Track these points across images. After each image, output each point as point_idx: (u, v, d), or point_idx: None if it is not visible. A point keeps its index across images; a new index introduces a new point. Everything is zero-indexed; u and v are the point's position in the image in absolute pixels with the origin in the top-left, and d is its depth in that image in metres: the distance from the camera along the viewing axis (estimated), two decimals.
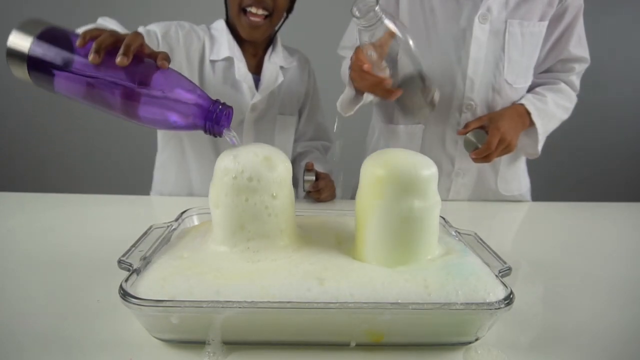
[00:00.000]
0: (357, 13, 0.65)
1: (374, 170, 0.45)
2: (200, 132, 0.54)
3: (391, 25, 0.67)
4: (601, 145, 2.33)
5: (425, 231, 0.45)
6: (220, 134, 0.49)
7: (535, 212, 1.01)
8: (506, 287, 0.41)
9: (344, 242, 0.51)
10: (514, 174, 1.08)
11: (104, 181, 2.25)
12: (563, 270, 0.63)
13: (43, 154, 2.33)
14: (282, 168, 0.48)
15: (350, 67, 0.81)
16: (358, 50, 0.74)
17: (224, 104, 0.49)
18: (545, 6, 0.94)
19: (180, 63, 0.97)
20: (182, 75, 0.49)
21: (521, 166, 1.11)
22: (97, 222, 0.80)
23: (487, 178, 1.06)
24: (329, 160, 1.16)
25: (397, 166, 0.44)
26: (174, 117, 0.47)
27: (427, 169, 0.44)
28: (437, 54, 0.96)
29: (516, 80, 0.97)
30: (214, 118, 0.47)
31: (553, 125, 1.01)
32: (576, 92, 1.04)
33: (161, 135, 1.07)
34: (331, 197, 0.98)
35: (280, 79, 1.05)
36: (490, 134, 0.91)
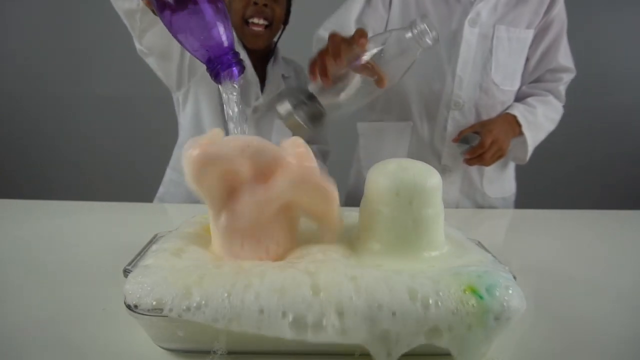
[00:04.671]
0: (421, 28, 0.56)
1: (380, 180, 0.45)
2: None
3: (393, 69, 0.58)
4: (593, 152, 2.33)
5: (431, 237, 0.45)
6: (218, 81, 0.50)
7: (527, 220, 1.02)
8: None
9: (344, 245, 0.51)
10: (500, 177, 1.11)
11: (109, 188, 2.27)
12: (563, 278, 0.63)
13: (49, 161, 2.35)
14: None
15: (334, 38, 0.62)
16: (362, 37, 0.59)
17: (240, 60, 0.49)
18: (532, 15, 1.01)
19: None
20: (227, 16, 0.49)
21: (508, 171, 1.14)
22: (103, 229, 0.81)
23: (473, 178, 1.09)
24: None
25: (403, 175, 0.45)
26: (190, 33, 0.47)
27: (433, 178, 0.45)
28: (428, 53, 1.00)
29: (503, 81, 1.03)
30: (224, 63, 0.48)
31: (541, 136, 1.07)
32: (562, 103, 1.11)
33: (182, 115, 1.16)
34: None
35: (282, 85, 1.15)
36: (484, 134, 0.96)
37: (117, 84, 2.21)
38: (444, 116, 1.04)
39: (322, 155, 1.28)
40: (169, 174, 1.20)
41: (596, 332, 0.48)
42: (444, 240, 0.47)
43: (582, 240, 0.84)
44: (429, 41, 0.57)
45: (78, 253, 0.67)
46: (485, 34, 0.99)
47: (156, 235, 0.54)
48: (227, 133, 1.08)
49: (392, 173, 0.45)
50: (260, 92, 1.12)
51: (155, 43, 0.93)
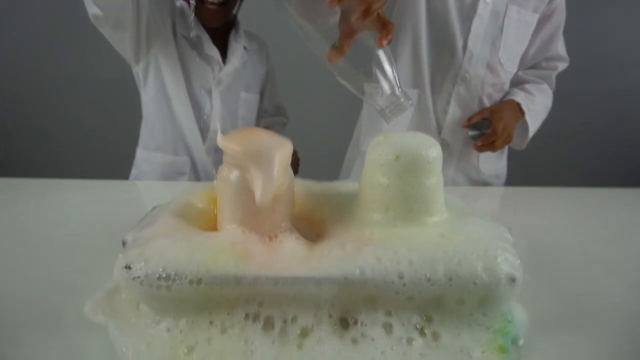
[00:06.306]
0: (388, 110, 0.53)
1: (381, 150, 0.46)
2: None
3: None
4: (582, 134, 2.35)
5: (432, 205, 0.46)
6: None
7: (524, 196, 1.02)
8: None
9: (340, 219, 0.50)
10: (496, 155, 1.15)
11: (102, 166, 2.23)
12: (561, 252, 0.64)
13: (41, 140, 2.31)
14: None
15: None
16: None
17: None
18: (538, 0, 1.04)
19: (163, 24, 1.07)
20: None
21: (504, 150, 1.18)
22: (99, 206, 0.80)
23: (469, 154, 1.11)
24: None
25: (404, 145, 0.45)
26: None
27: (433, 149, 0.46)
28: (443, 25, 1.03)
29: (507, 62, 1.05)
30: None
31: (539, 123, 1.12)
32: (552, 90, 1.16)
33: (144, 91, 1.14)
34: (294, 170, 0.99)
35: (245, 57, 1.17)
36: (495, 121, 0.99)
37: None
38: (448, 90, 1.05)
39: (283, 126, 1.36)
40: (140, 153, 1.17)
41: (592, 303, 0.50)
42: (444, 208, 0.47)
43: (579, 216, 0.85)
44: (387, 113, 0.52)
45: (75, 228, 0.67)
46: (498, 12, 1.01)
47: (155, 208, 0.53)
48: (194, 100, 1.09)
49: (392, 143, 0.46)
50: (222, 64, 1.13)
51: (109, 4, 0.89)
